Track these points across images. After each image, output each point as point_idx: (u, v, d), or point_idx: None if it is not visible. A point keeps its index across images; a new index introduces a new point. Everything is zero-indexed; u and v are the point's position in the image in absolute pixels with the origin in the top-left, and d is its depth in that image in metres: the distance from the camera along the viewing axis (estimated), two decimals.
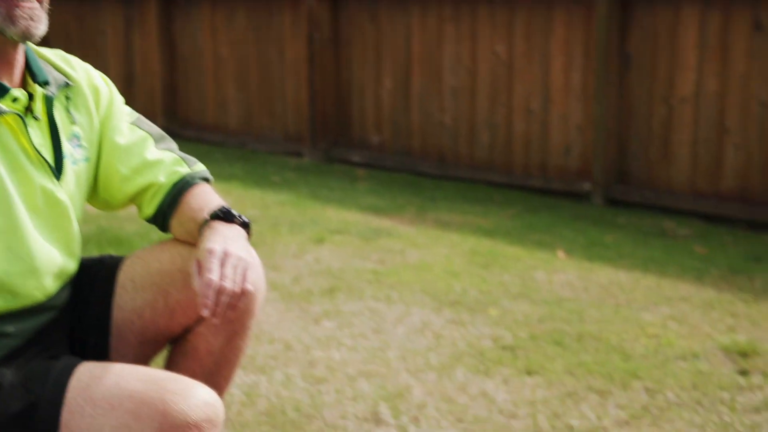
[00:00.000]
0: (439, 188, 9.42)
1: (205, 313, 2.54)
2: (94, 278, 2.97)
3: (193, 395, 2.57)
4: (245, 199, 8.55)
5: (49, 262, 2.73)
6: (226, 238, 2.64)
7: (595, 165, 8.84)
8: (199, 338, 2.90)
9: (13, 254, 2.64)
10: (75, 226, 2.83)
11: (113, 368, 2.67)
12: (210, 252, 2.58)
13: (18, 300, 2.68)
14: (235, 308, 2.61)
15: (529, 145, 9.42)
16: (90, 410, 2.54)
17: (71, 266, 2.85)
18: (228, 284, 2.55)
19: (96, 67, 3.07)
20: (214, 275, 2.53)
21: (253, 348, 4.91)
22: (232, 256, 2.59)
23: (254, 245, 3.11)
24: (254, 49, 11.55)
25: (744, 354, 4.90)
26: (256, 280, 2.81)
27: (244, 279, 2.60)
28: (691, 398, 4.39)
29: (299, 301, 5.74)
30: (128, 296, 2.91)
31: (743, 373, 4.69)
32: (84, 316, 2.92)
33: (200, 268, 2.61)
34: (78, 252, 2.89)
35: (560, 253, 6.94)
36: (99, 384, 2.58)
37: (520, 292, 5.99)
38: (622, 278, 6.37)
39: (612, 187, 8.79)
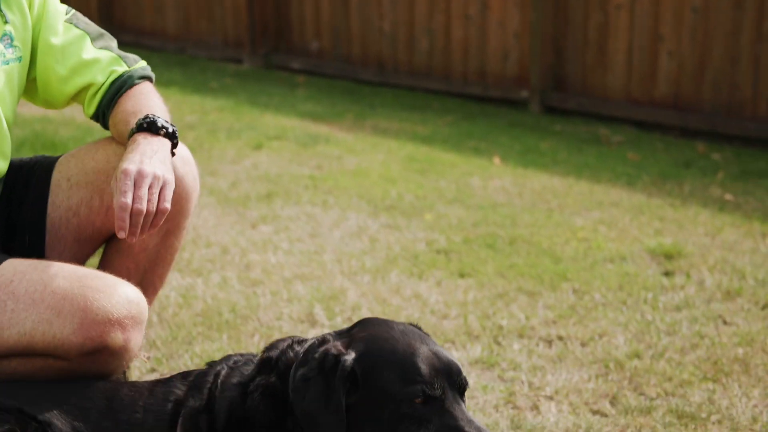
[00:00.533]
0: (378, 95, 9.43)
1: (122, 235, 2.55)
2: (28, 177, 2.97)
3: (116, 292, 2.60)
4: (183, 105, 8.49)
5: None
6: (143, 155, 2.61)
7: (532, 72, 8.89)
8: None
9: None
10: (3, 125, 2.82)
11: (39, 265, 2.69)
12: (124, 173, 2.55)
13: None
14: (155, 226, 2.62)
15: (467, 51, 9.43)
16: (12, 304, 2.57)
17: (1, 165, 2.85)
18: (142, 205, 2.54)
19: None
20: (127, 198, 2.52)
21: (190, 251, 4.95)
22: (147, 176, 2.57)
23: (192, 150, 3.11)
24: None
25: (669, 256, 5.05)
26: (183, 183, 2.84)
27: (161, 198, 2.60)
28: (616, 298, 4.54)
29: (236, 206, 5.77)
30: (64, 195, 2.92)
31: (667, 274, 4.85)
32: (18, 214, 2.93)
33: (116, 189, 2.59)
34: (7, 151, 2.88)
35: (496, 160, 7.04)
36: (23, 279, 2.60)
37: (455, 198, 6.08)
38: (556, 184, 6.48)
39: (549, 94, 8.87)
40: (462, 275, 4.78)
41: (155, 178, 2.59)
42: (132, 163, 2.60)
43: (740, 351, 3.97)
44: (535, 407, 3.55)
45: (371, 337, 2.41)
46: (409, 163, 6.84)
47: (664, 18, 8.21)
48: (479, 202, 6.01)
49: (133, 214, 2.54)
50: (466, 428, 2.30)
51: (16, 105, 2.92)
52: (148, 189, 2.57)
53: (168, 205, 2.61)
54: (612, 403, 3.56)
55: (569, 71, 8.84)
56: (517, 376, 3.77)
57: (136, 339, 2.63)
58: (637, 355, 3.93)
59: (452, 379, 2.36)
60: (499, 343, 4.06)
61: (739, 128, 7.86)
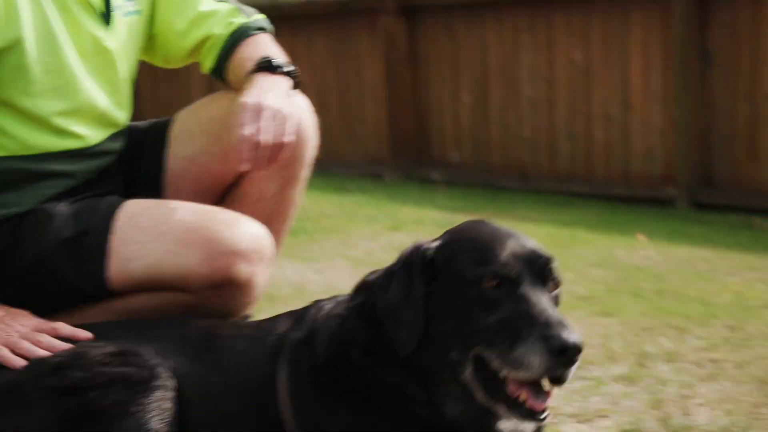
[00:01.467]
0: (518, 196, 9.30)
1: (244, 167, 2.58)
2: (145, 134, 2.96)
3: (242, 226, 2.58)
4: (322, 201, 8.53)
5: (94, 105, 2.73)
6: (263, 90, 2.62)
7: (679, 169, 8.61)
8: (251, 184, 2.86)
9: (59, 94, 2.65)
10: (122, 76, 2.83)
11: (162, 202, 2.70)
12: (244, 106, 2.56)
13: (65, 140, 2.68)
14: (275, 160, 2.60)
15: (610, 152, 9.25)
16: (139, 237, 2.56)
17: (119, 115, 2.84)
18: (264, 137, 2.53)
19: None
20: (248, 130, 2.52)
21: None
22: (267, 108, 2.56)
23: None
24: (333, 73, 11.64)
25: None
26: (300, 128, 2.76)
27: (282, 131, 2.57)
28: None
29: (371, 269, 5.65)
30: (182, 146, 2.91)
31: None
32: (137, 170, 2.91)
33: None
34: (126, 103, 2.88)
35: (640, 236, 6.74)
36: (148, 213, 2.60)
37: (597, 262, 5.81)
38: (706, 254, 6.15)
39: (697, 191, 8.53)
40: (605, 314, 4.51)
41: (276, 111, 2.58)
42: (251, 96, 2.60)
43: None
44: (686, 412, 3.22)
45: (459, 230, 2.31)
46: (549, 239, 6.61)
47: None
48: (623, 265, 5.73)
49: (256, 146, 2.53)
50: (538, 315, 2.05)
51: (137, 60, 2.93)
52: (270, 121, 2.55)
53: (290, 137, 2.58)
54: None
55: (718, 166, 8.52)
56: (664, 389, 3.45)
57: (261, 274, 2.59)
58: None
59: (534, 266, 2.17)
60: (644, 365, 3.75)
61: None
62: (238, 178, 2.88)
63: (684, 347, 3.98)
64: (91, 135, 2.74)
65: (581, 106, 9.39)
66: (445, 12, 10.52)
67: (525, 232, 6.69)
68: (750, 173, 8.32)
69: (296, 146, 2.76)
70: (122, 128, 2.88)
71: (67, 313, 2.63)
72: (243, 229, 2.57)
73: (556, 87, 9.60)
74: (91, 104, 2.71)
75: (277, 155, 2.59)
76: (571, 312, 4.46)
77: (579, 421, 3.15)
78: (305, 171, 2.92)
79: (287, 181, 2.86)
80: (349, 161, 11.68)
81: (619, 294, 4.90)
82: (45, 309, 2.60)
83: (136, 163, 2.91)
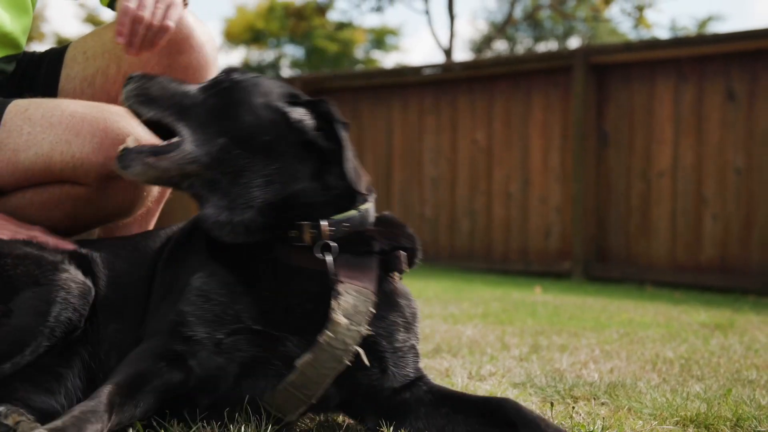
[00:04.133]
0: (417, 271, 9.29)
1: (121, 40, 2.48)
2: (42, 57, 2.89)
3: (135, 119, 2.49)
4: None
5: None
6: None
7: (575, 244, 8.79)
8: None
9: None
10: None
11: (54, 99, 2.60)
12: None
13: None
14: (153, 44, 2.52)
15: (509, 229, 9.40)
16: (28, 128, 2.45)
17: (20, 39, 2.79)
18: (144, 12, 2.45)
19: None
20: (131, 3, 2.44)
21: None
22: None
23: None
24: None
25: None
26: (204, 57, 2.74)
27: (166, 16, 2.50)
28: None
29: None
30: (79, 67, 2.81)
31: None
32: (31, 90, 2.82)
33: None
34: (27, 28, 2.83)
35: (537, 288, 6.82)
36: (39, 107, 2.50)
37: (495, 298, 5.83)
38: (599, 301, 6.22)
39: (592, 265, 8.71)
40: (501, 323, 4.49)
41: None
42: None
43: None
44: (578, 374, 3.21)
45: None
46: (447, 288, 6.64)
47: (706, 181, 8.18)
48: (520, 301, 5.76)
49: (135, 20, 2.45)
50: None
51: None
52: (154, 3, 2.49)
53: (172, 23, 2.50)
54: None
55: (612, 241, 8.72)
56: (557, 364, 3.43)
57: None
58: None
59: None
60: (537, 352, 3.73)
61: None
62: None
63: (577, 343, 3.98)
64: None
65: (482, 184, 9.56)
66: (350, 94, 10.69)
67: (423, 286, 6.61)
68: (642, 248, 8.52)
69: (198, 69, 2.74)
70: (19, 52, 2.82)
71: None
72: (136, 122, 2.47)
73: (459, 166, 9.77)
74: None
75: (155, 39, 2.50)
76: (467, 322, 4.46)
77: (470, 377, 3.11)
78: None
79: None
80: None
81: (516, 313, 4.91)
82: None
83: (29, 84, 2.83)
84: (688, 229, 8.28)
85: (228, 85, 2.17)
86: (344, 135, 2.13)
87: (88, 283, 2.18)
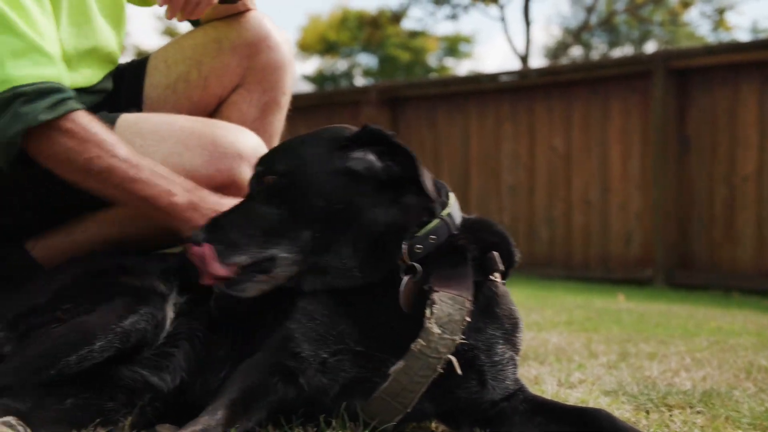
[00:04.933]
0: None
1: (161, 2, 2.53)
2: (125, 69, 2.92)
3: (243, 133, 2.55)
4: None
5: (105, 45, 2.72)
6: None
7: (656, 251, 8.65)
8: (233, 108, 2.83)
9: (81, 31, 2.62)
10: (125, 15, 2.84)
11: (158, 113, 2.64)
12: None
13: (74, 77, 2.63)
14: (194, 14, 2.57)
15: (588, 236, 9.30)
16: (140, 141, 2.48)
17: (118, 55, 2.84)
18: None
19: None
20: None
21: None
22: None
23: None
24: None
25: None
26: (281, 58, 2.81)
27: None
28: None
29: None
30: (161, 75, 2.86)
31: None
32: (117, 103, 2.86)
33: None
34: (122, 43, 2.88)
35: (620, 296, 6.72)
36: (147, 120, 2.55)
37: (577, 306, 5.76)
38: (684, 308, 6.11)
39: (674, 272, 8.56)
40: (586, 331, 4.43)
41: None
42: None
43: None
44: (669, 382, 3.14)
45: None
46: (528, 296, 6.59)
47: None
48: (603, 308, 5.68)
49: None
50: None
51: None
52: None
53: None
54: None
55: (695, 247, 8.56)
56: (646, 371, 3.37)
57: None
58: None
59: None
60: (626, 360, 3.67)
61: None
62: (219, 105, 2.86)
63: (665, 350, 3.91)
64: (94, 75, 2.71)
65: (561, 191, 9.47)
66: (427, 103, 10.69)
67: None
68: (727, 254, 8.36)
69: (275, 70, 2.79)
70: (116, 65, 2.87)
71: (52, 230, 2.57)
72: (244, 137, 2.53)
73: (537, 173, 9.70)
74: (104, 45, 2.70)
75: (197, 11, 2.55)
76: (552, 329, 4.42)
77: (560, 385, 3.07)
78: (285, 98, 2.91)
79: (267, 107, 2.84)
80: None
81: (600, 320, 4.85)
82: (53, 221, 2.56)
83: (115, 97, 2.87)
84: None
85: (284, 185, 2.13)
86: (405, 150, 2.10)
87: (164, 317, 2.23)
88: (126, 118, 2.55)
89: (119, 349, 2.12)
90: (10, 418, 1.89)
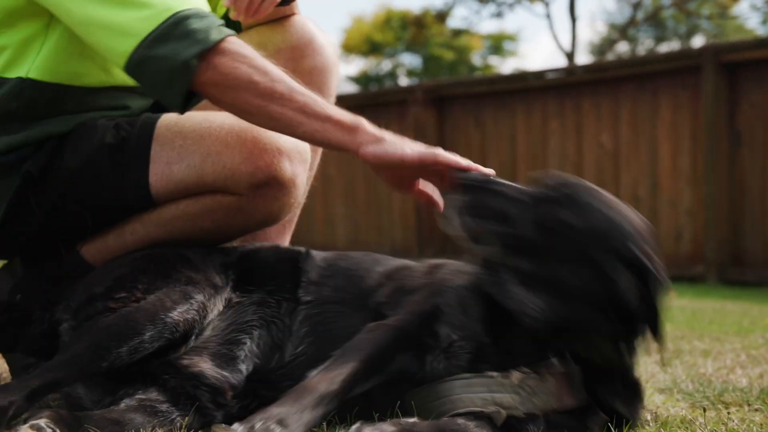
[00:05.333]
0: None
1: (227, 3, 2.56)
2: None
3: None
4: None
5: None
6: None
7: (708, 247, 8.56)
8: None
9: None
10: None
11: (200, 112, 2.66)
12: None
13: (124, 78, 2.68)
14: (263, 12, 2.60)
15: None
16: (180, 141, 2.52)
17: None
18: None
19: None
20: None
21: None
22: None
23: None
24: (361, 165, 11.73)
25: None
26: (326, 61, 2.85)
27: None
28: None
29: None
30: None
31: None
32: (163, 106, 2.89)
33: None
34: None
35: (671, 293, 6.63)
36: (187, 120, 2.57)
37: None
38: (737, 305, 6.04)
39: (727, 268, 8.46)
40: None
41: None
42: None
43: None
44: (725, 380, 3.10)
45: None
46: None
47: None
48: None
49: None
50: None
51: None
52: None
53: None
54: None
55: (748, 244, 8.46)
56: (700, 369, 3.33)
57: (302, 174, 2.54)
58: None
59: None
60: (679, 357, 3.63)
61: None
62: None
63: (720, 348, 3.86)
64: None
65: (609, 189, 9.36)
66: (473, 102, 10.67)
67: None
68: None
69: (321, 72, 2.83)
70: None
71: (104, 231, 2.61)
72: (282, 135, 2.52)
73: (584, 170, 9.63)
74: None
75: (263, 9, 2.58)
76: None
77: None
78: (331, 100, 2.93)
79: None
80: (376, 251, 11.63)
81: None
82: (91, 225, 2.58)
83: (160, 102, 2.90)
84: None
85: (555, 225, 2.07)
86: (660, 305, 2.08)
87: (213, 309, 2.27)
88: (167, 118, 2.59)
89: (169, 339, 2.15)
90: (41, 421, 1.89)
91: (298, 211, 3.06)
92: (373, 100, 11.96)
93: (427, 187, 2.44)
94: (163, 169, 2.52)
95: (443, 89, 11.02)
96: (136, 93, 2.74)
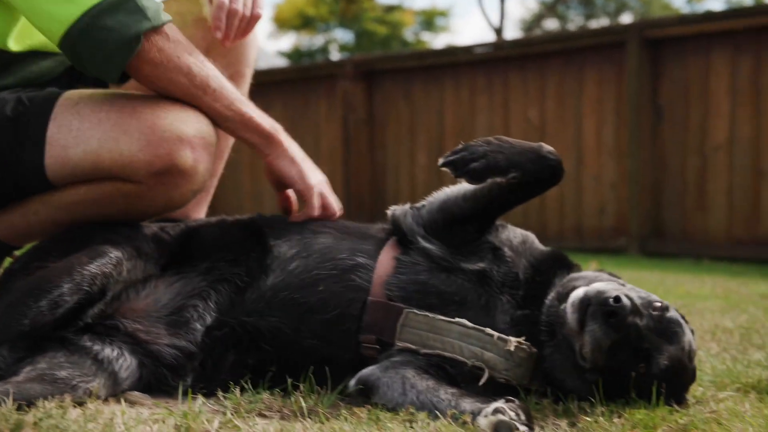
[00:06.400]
0: None
1: (219, 35, 2.62)
2: None
3: (185, 113, 2.50)
4: None
5: None
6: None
7: (631, 220, 8.73)
8: None
9: None
10: None
11: (105, 90, 2.62)
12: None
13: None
14: (247, 32, 2.67)
15: (563, 207, 9.36)
16: (77, 123, 2.46)
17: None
18: (238, 5, 2.62)
19: None
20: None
21: None
22: None
23: None
24: (291, 137, 11.70)
25: None
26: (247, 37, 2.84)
27: (254, 5, 2.67)
28: None
29: None
30: None
31: None
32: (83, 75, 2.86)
33: None
34: None
35: (593, 263, 6.77)
36: (88, 101, 2.51)
37: None
38: (656, 275, 6.19)
39: (648, 241, 8.65)
40: None
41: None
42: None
43: None
44: None
45: None
46: None
47: (765, 154, 8.07)
48: None
49: (230, 14, 2.60)
50: None
51: None
52: None
53: (261, 11, 2.67)
54: None
55: (668, 217, 8.65)
56: None
57: (205, 161, 2.49)
58: None
59: None
60: None
61: None
62: None
63: None
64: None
65: None
66: (403, 76, 10.70)
67: None
68: (699, 223, 8.45)
69: (241, 46, 2.85)
70: None
71: (9, 208, 2.58)
72: (187, 117, 2.48)
73: None
74: None
75: (248, 28, 2.66)
76: None
77: None
78: (249, 70, 2.96)
79: (231, 79, 2.81)
80: None
81: None
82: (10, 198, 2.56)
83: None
84: (746, 203, 8.18)
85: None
86: None
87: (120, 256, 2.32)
88: (69, 97, 2.52)
89: (88, 292, 2.17)
90: None
91: (215, 182, 3.07)
92: (303, 74, 11.92)
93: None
94: (59, 152, 2.47)
95: (373, 63, 11.04)
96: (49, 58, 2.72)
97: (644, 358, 2.16)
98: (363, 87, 10.92)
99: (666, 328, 2.20)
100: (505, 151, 2.39)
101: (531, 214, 9.54)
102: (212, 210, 3.40)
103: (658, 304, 2.22)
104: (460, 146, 2.41)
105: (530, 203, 9.22)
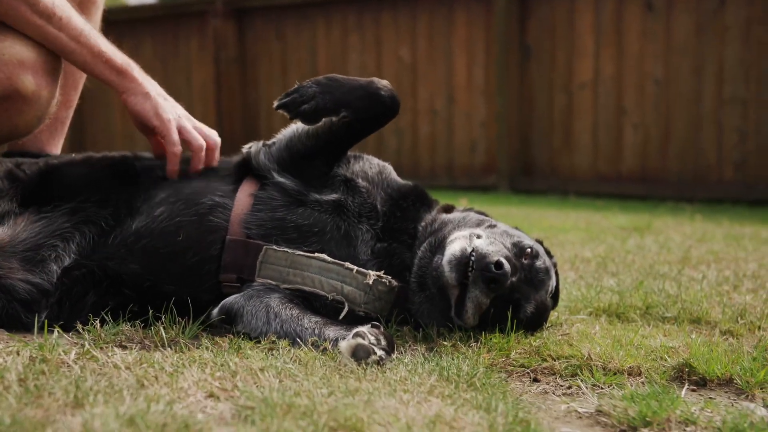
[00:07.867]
0: None
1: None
2: None
3: (30, 44, 2.46)
4: None
5: None
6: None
7: (500, 158, 8.91)
8: None
9: None
10: None
11: None
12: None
13: None
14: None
15: (435, 145, 9.48)
16: None
17: None
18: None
19: None
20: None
21: None
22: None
23: None
24: (161, 79, 11.50)
25: None
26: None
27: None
28: None
29: None
30: None
31: None
32: None
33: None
34: None
35: (462, 200, 6.93)
36: None
37: None
38: (522, 210, 6.34)
39: (517, 179, 8.85)
40: None
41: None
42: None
43: None
44: None
45: None
46: None
47: (626, 93, 8.32)
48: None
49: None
50: None
51: None
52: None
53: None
54: None
55: (536, 154, 8.86)
56: None
57: (49, 86, 2.47)
58: None
59: None
60: None
61: (705, 192, 7.83)
62: None
63: None
64: None
65: (408, 102, 9.59)
66: (275, 13, 10.59)
67: None
68: (565, 160, 8.68)
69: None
70: None
71: None
72: (32, 47, 2.44)
73: None
74: None
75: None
76: None
77: None
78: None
79: (83, 4, 2.79)
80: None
81: None
82: None
83: None
84: (610, 141, 8.44)
85: None
86: None
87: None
88: None
89: None
90: None
91: (70, 113, 3.03)
92: (171, 11, 11.66)
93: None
94: None
95: (244, 1, 10.88)
96: None
97: (514, 307, 2.24)
98: (234, 25, 10.77)
99: (534, 277, 2.28)
100: (334, 91, 2.42)
101: (404, 152, 9.64)
102: (82, 150, 3.33)
103: (529, 251, 2.29)
104: (292, 88, 2.44)
105: (403, 141, 9.42)
